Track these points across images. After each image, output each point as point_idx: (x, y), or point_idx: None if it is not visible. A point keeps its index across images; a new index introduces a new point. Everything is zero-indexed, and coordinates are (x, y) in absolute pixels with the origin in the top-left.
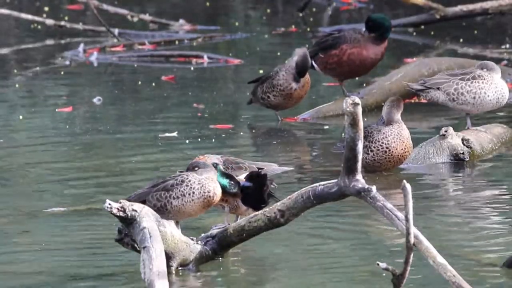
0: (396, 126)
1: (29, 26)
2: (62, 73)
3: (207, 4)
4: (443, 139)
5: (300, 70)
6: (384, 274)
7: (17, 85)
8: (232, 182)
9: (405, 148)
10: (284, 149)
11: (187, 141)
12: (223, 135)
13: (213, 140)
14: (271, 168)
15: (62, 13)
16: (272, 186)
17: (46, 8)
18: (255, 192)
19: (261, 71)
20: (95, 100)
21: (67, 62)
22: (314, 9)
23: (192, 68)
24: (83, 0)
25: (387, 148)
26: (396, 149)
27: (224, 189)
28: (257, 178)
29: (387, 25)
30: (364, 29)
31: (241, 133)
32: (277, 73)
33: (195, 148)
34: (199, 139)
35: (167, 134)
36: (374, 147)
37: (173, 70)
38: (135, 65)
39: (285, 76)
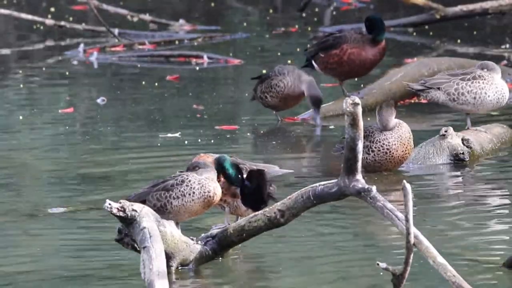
0: (396, 129)
1: (31, 26)
2: (63, 73)
3: (212, 4)
4: (443, 139)
5: (316, 103)
6: (381, 273)
7: (21, 85)
8: (239, 176)
9: (405, 150)
10: (284, 149)
11: (185, 142)
12: (224, 136)
13: (213, 140)
14: (271, 169)
15: (68, 13)
16: (271, 188)
17: (52, 9)
18: (254, 192)
19: (264, 71)
20: (99, 100)
21: (75, 62)
22: (314, 9)
23: (197, 68)
24: (83, 0)
25: (387, 149)
26: (397, 151)
27: (228, 178)
28: (256, 176)
29: (379, 26)
30: (364, 29)
31: (241, 133)
32: (281, 75)
33: (196, 148)
34: (199, 140)
35: (169, 134)
36: (375, 148)
37: (178, 70)
38: (138, 65)
39: (290, 83)
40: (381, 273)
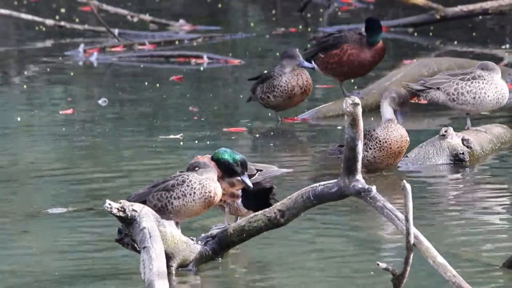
0: (388, 125)
1: (32, 26)
2: (63, 73)
3: (219, 5)
4: (443, 139)
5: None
6: (373, 273)
7: (24, 86)
8: (238, 163)
9: (401, 143)
10: (284, 149)
11: (182, 143)
12: (223, 137)
13: (208, 142)
14: (270, 170)
15: (75, 14)
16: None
17: (63, 10)
18: (258, 198)
19: (265, 72)
20: (100, 101)
21: (81, 63)
22: (314, 9)
23: (202, 68)
24: (83, 1)
25: (381, 146)
26: (391, 145)
27: (228, 169)
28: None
29: (374, 29)
30: (363, 29)
31: (241, 134)
32: (280, 75)
33: (194, 150)
34: (197, 141)
35: (172, 136)
36: (372, 146)
37: (179, 70)
38: (142, 66)
39: (289, 79)
40: (381, 273)
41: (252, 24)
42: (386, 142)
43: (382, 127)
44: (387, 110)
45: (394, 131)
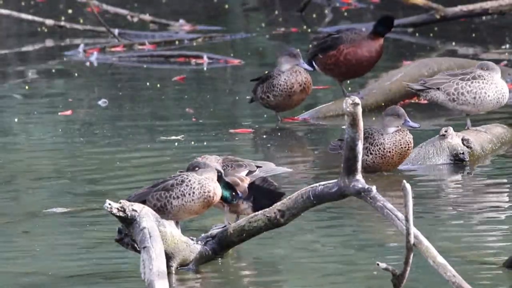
0: (395, 134)
1: (34, 27)
2: (63, 73)
3: (226, 6)
4: (443, 139)
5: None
6: (375, 273)
7: (26, 87)
8: (234, 194)
9: (403, 154)
10: (284, 149)
11: (176, 144)
12: (224, 138)
13: (205, 142)
14: (269, 167)
15: (81, 15)
16: (271, 182)
17: (70, 11)
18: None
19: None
20: (100, 102)
21: (81, 63)
22: (314, 9)
23: (205, 69)
24: (83, 1)
25: (383, 154)
26: (393, 156)
27: (225, 199)
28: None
29: (385, 21)
30: (363, 29)
31: (241, 134)
32: (279, 74)
33: (195, 149)
34: (196, 142)
35: (173, 137)
36: (373, 151)
37: (179, 70)
38: (145, 66)
39: (288, 77)
40: (381, 273)
41: (252, 24)
42: (390, 152)
43: (390, 135)
44: (391, 129)
45: (402, 140)
